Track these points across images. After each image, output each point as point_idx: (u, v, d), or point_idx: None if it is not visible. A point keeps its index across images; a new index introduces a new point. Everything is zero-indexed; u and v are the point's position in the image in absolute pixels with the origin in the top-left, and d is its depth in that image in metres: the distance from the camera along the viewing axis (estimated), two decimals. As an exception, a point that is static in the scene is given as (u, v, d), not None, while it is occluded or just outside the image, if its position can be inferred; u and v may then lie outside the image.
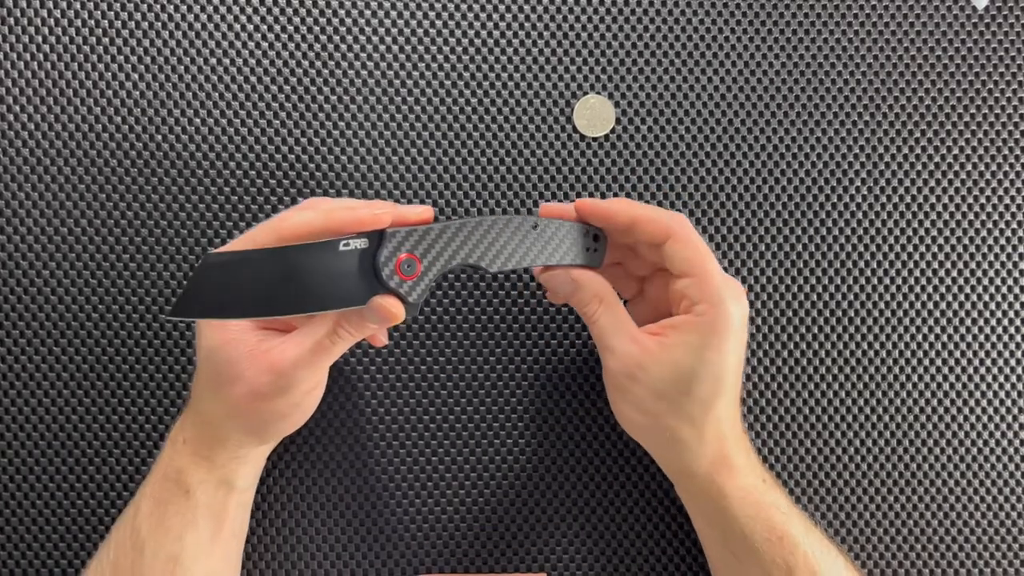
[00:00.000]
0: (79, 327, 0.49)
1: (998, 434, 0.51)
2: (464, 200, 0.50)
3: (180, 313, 0.37)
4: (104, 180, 0.49)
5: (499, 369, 0.50)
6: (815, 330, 0.51)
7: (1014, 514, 0.51)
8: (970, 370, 0.51)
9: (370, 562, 0.49)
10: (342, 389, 0.50)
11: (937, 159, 0.52)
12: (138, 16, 0.49)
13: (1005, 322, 0.51)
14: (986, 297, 0.51)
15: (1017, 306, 0.51)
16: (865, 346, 0.51)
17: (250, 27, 0.50)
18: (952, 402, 0.51)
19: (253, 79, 0.50)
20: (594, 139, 0.51)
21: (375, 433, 0.50)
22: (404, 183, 0.50)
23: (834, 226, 0.51)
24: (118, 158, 0.49)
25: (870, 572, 0.51)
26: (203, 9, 0.49)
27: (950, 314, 0.51)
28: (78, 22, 0.49)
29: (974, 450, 0.51)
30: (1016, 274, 0.51)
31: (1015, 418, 0.51)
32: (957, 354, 0.51)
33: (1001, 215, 0.52)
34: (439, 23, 0.50)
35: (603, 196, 0.50)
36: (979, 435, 0.51)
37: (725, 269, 0.44)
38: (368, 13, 0.50)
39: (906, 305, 0.51)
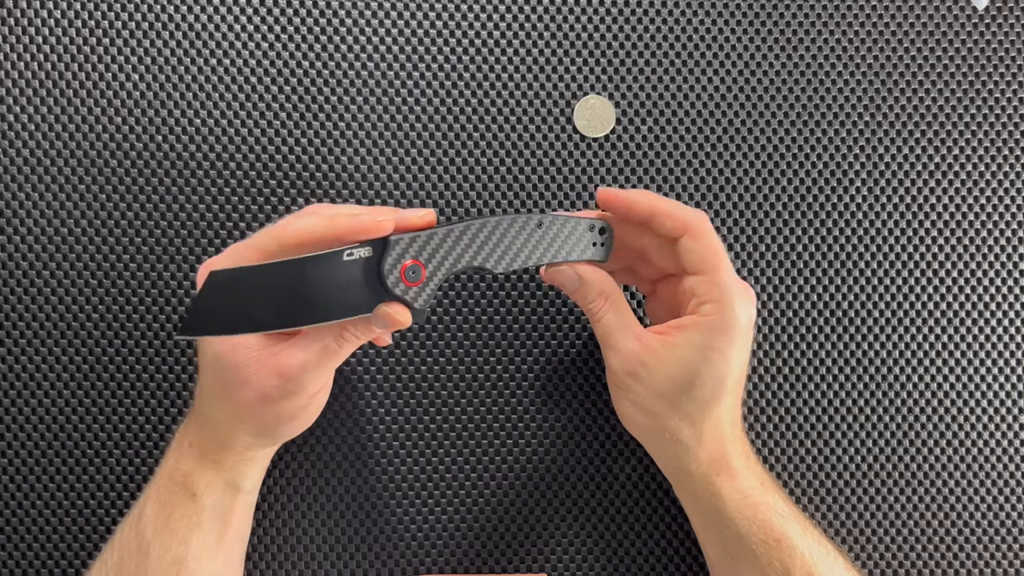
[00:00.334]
0: (79, 327, 0.49)
1: (998, 434, 0.51)
2: (464, 200, 0.50)
3: (189, 332, 0.37)
4: (104, 180, 0.49)
5: (499, 369, 0.50)
6: (815, 330, 0.51)
7: (1014, 514, 0.51)
8: (970, 370, 0.51)
9: (370, 562, 0.49)
10: (342, 389, 0.50)
11: (937, 159, 0.52)
12: (138, 16, 0.49)
13: (1005, 322, 0.51)
14: (986, 297, 0.51)
15: (1017, 306, 0.51)
16: (865, 346, 0.51)
17: (250, 27, 0.50)
18: (952, 402, 0.51)
19: (253, 79, 0.50)
20: (594, 139, 0.51)
21: (375, 433, 0.50)
22: (404, 183, 0.50)
23: (834, 226, 0.51)
24: (118, 158, 0.49)
25: (870, 572, 0.51)
26: (203, 9, 0.49)
27: (950, 314, 0.51)
28: (78, 22, 0.49)
29: (974, 450, 0.51)
30: (1016, 274, 0.51)
31: (1015, 418, 0.51)
32: (957, 354, 0.51)
33: (1001, 215, 0.52)
34: (439, 23, 0.50)
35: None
36: (979, 435, 0.51)
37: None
38: (368, 13, 0.50)
39: (906, 305, 0.51)
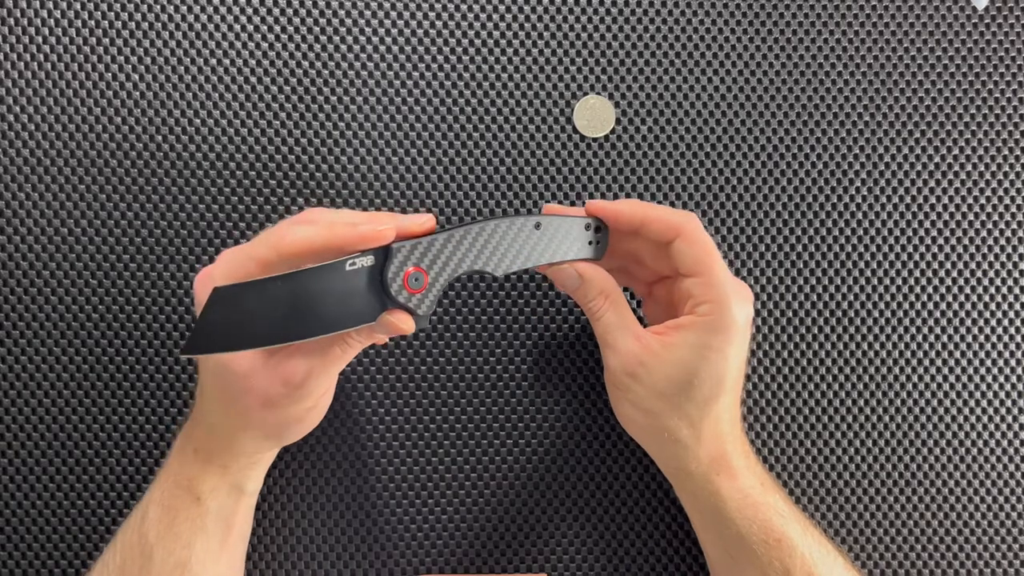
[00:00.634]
0: (79, 327, 0.49)
1: (998, 434, 0.51)
2: (464, 200, 0.50)
3: (194, 350, 0.36)
4: (104, 180, 0.49)
5: (499, 369, 0.50)
6: (815, 330, 0.51)
7: (1014, 514, 0.51)
8: (970, 370, 0.51)
9: (370, 562, 0.49)
10: (343, 389, 0.50)
11: (937, 159, 0.52)
12: (138, 16, 0.49)
13: (1005, 322, 0.51)
14: (986, 297, 0.51)
15: (1017, 306, 0.51)
16: (865, 346, 0.51)
17: (250, 27, 0.50)
18: (952, 402, 0.51)
19: (253, 79, 0.50)
20: (594, 139, 0.51)
21: (375, 434, 0.50)
22: (404, 183, 0.50)
23: (834, 226, 0.51)
24: (118, 158, 0.49)
25: (870, 572, 0.51)
26: (203, 9, 0.49)
27: (950, 314, 0.51)
28: (78, 22, 0.49)
29: (974, 450, 0.51)
30: (1016, 274, 0.51)
31: (1015, 418, 0.51)
32: (957, 354, 0.51)
33: (1001, 215, 0.52)
34: (439, 23, 0.50)
35: (603, 196, 0.50)
36: (979, 435, 0.51)
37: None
38: (368, 13, 0.50)
39: (906, 305, 0.51)
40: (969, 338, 0.51)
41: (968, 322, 0.51)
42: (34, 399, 0.49)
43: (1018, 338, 0.51)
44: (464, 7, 0.50)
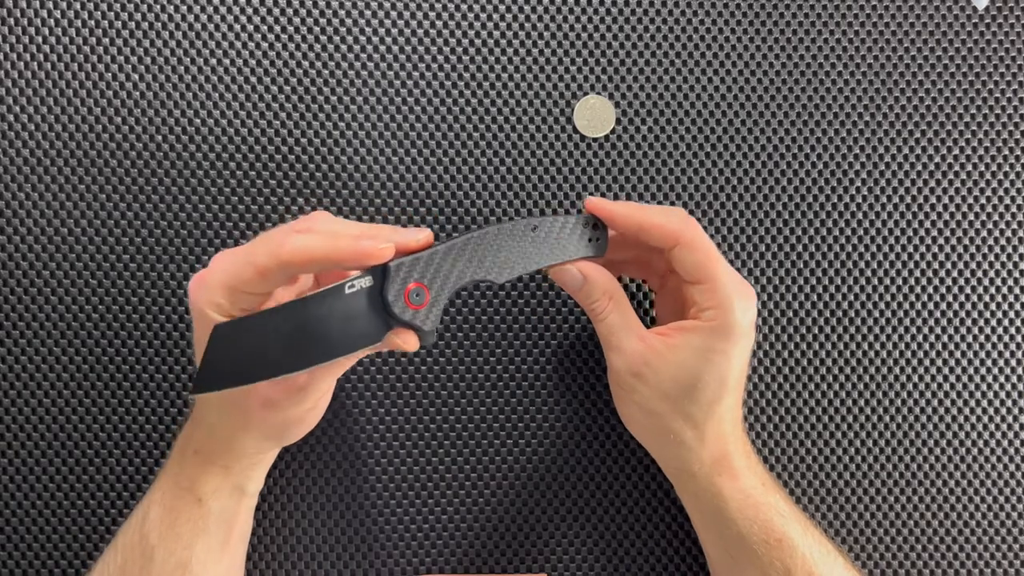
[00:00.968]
0: (79, 327, 0.49)
1: (998, 434, 0.51)
2: (464, 200, 0.50)
3: (202, 388, 0.36)
4: (104, 180, 0.49)
5: (499, 370, 0.50)
6: (815, 330, 0.51)
7: (1014, 514, 0.51)
8: (970, 370, 0.51)
9: (370, 562, 0.49)
10: (343, 390, 0.50)
11: (937, 159, 0.52)
12: (138, 16, 0.49)
13: (1005, 322, 0.51)
14: (986, 297, 0.51)
15: (1017, 306, 0.51)
16: (865, 346, 0.51)
17: (250, 27, 0.50)
18: (952, 402, 0.51)
19: (253, 79, 0.50)
20: (594, 139, 0.51)
21: (375, 434, 0.50)
22: (404, 183, 0.50)
23: (834, 226, 0.51)
24: (118, 158, 0.49)
25: (870, 572, 0.51)
26: (203, 9, 0.49)
27: (950, 314, 0.51)
28: (78, 22, 0.49)
29: (974, 450, 0.51)
30: (1016, 274, 0.51)
31: (1015, 418, 0.51)
32: (957, 354, 0.51)
33: (1001, 215, 0.52)
34: (439, 23, 0.50)
35: (603, 197, 0.50)
36: (979, 435, 0.51)
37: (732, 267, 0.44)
38: (368, 13, 0.50)
39: (906, 305, 0.51)
40: (969, 338, 0.51)
41: (968, 322, 0.51)
42: (34, 399, 0.49)
43: (1018, 338, 0.51)
44: (464, 7, 0.50)
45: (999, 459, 0.51)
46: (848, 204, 0.51)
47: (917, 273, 0.51)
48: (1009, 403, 0.51)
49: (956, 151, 0.52)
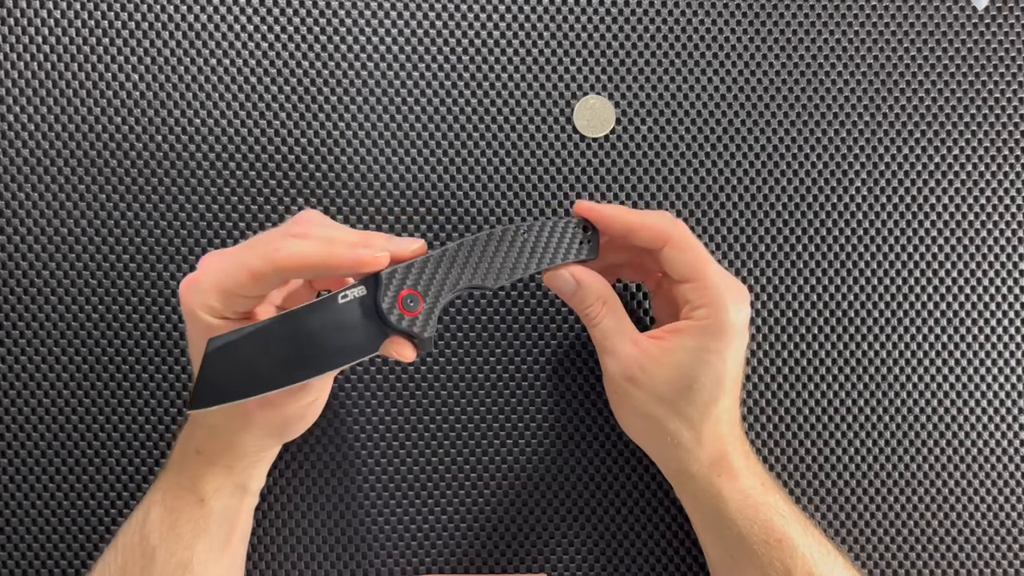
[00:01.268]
0: (79, 327, 0.49)
1: (998, 434, 0.51)
2: (464, 200, 0.50)
3: (199, 405, 0.36)
4: (104, 180, 0.49)
5: (499, 370, 0.50)
6: (815, 330, 0.51)
7: (1014, 514, 0.51)
8: (970, 370, 0.51)
9: (370, 562, 0.49)
10: (343, 389, 0.50)
11: (937, 159, 0.52)
12: (138, 16, 0.49)
13: (1005, 322, 0.51)
14: (986, 297, 0.51)
15: (1017, 306, 0.51)
16: (865, 346, 0.51)
17: (250, 27, 0.50)
18: (952, 402, 0.51)
19: (253, 79, 0.50)
20: (594, 140, 0.51)
21: (375, 434, 0.50)
22: (404, 183, 0.50)
23: (834, 226, 0.51)
24: (118, 158, 0.49)
25: (870, 572, 0.51)
26: (203, 9, 0.49)
27: (950, 314, 0.51)
28: (78, 22, 0.49)
29: (974, 450, 0.51)
30: (1016, 274, 0.51)
31: (1015, 418, 0.51)
32: (957, 354, 0.51)
33: (1001, 215, 0.52)
34: (439, 23, 0.50)
35: (603, 197, 0.50)
36: (979, 435, 0.51)
37: (725, 269, 0.44)
38: (368, 13, 0.50)
39: (906, 305, 0.51)
40: (969, 338, 0.51)
41: (968, 322, 0.51)
42: (34, 399, 0.49)
43: (1018, 338, 0.51)
44: (464, 7, 0.50)
45: (999, 459, 0.51)
46: (848, 204, 0.51)
47: (917, 273, 0.51)
48: (1009, 403, 0.51)
49: (956, 151, 0.52)
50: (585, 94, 0.51)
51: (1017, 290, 0.51)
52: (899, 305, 0.51)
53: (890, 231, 0.51)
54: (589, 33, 0.51)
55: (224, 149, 0.49)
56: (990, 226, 0.52)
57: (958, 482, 0.51)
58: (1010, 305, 0.51)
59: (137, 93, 0.49)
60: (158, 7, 0.49)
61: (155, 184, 0.49)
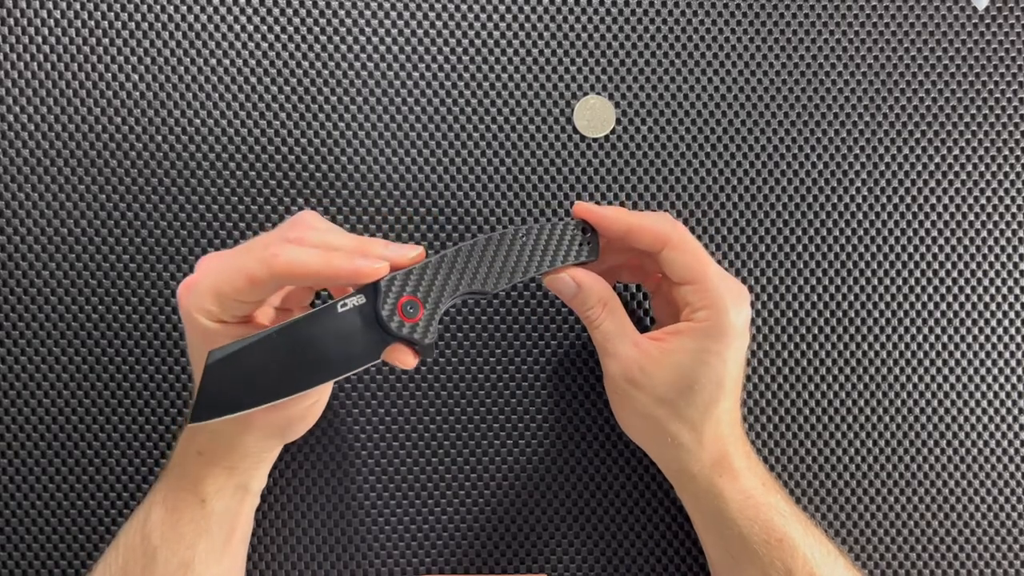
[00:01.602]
0: (79, 327, 0.49)
1: (998, 434, 0.51)
2: (464, 200, 0.50)
3: (200, 418, 0.36)
4: (104, 180, 0.49)
5: (499, 370, 0.50)
6: (815, 330, 0.51)
7: (1014, 514, 0.51)
8: (970, 370, 0.51)
9: (370, 562, 0.49)
10: (343, 390, 0.50)
11: (937, 159, 0.52)
12: (138, 16, 0.49)
13: (1005, 322, 0.51)
14: (986, 297, 0.51)
15: (1017, 306, 0.51)
16: (865, 346, 0.51)
17: (250, 27, 0.50)
18: (952, 402, 0.51)
19: (253, 79, 0.49)
20: (594, 140, 0.51)
21: (375, 434, 0.50)
22: (404, 183, 0.50)
23: (834, 226, 0.51)
24: (118, 158, 0.49)
25: (870, 572, 0.51)
26: (203, 9, 0.49)
27: (950, 314, 0.51)
28: (78, 22, 0.49)
29: (974, 450, 0.51)
30: (1016, 274, 0.51)
31: (1015, 418, 0.51)
32: (957, 354, 0.51)
33: (1001, 215, 0.52)
34: (439, 23, 0.50)
35: (603, 197, 0.50)
36: (979, 435, 0.51)
37: (725, 270, 0.44)
38: (368, 13, 0.50)
39: (906, 305, 0.51)
40: (969, 338, 0.51)
41: (968, 322, 0.51)
42: (34, 399, 0.49)
43: (1018, 338, 0.51)
44: (464, 7, 0.50)
45: (999, 459, 0.51)
46: (848, 204, 0.51)
47: (917, 273, 0.51)
48: (1009, 403, 0.51)
49: (956, 151, 0.52)
50: (585, 94, 0.51)
51: (1017, 290, 0.51)
52: (899, 305, 0.51)
53: (890, 231, 0.51)
54: (589, 33, 0.51)
55: (224, 149, 0.49)
56: (990, 226, 0.52)
57: (958, 482, 0.51)
58: (1010, 305, 0.51)
59: (137, 93, 0.49)
60: (158, 7, 0.49)
61: (155, 184, 0.49)
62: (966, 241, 0.51)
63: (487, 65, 0.50)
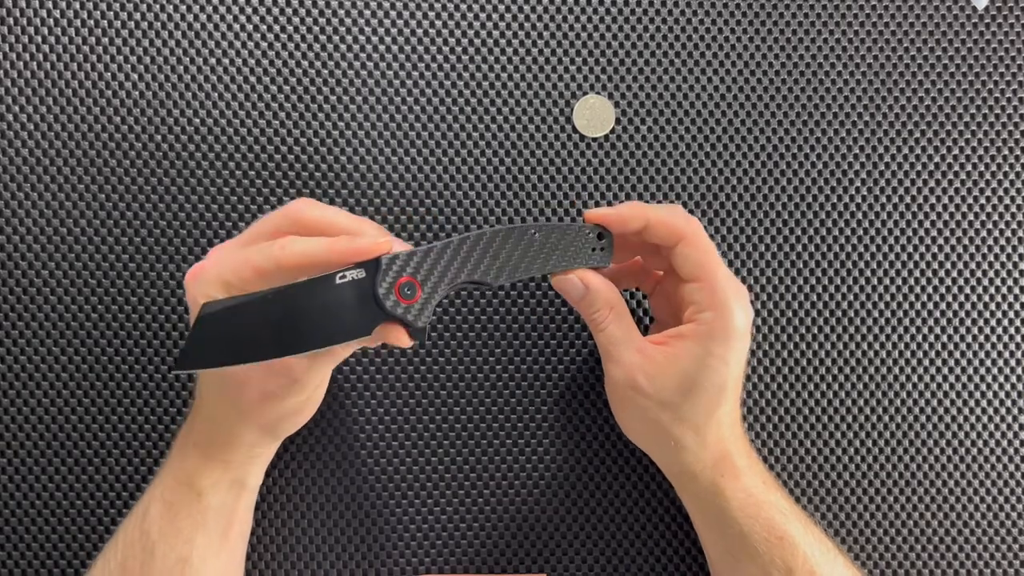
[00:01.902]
0: (79, 327, 0.49)
1: (998, 434, 0.51)
2: (464, 200, 0.50)
3: (185, 366, 0.36)
4: (104, 180, 0.49)
5: (499, 369, 0.50)
6: (815, 330, 0.51)
7: (1014, 514, 0.51)
8: (970, 370, 0.51)
9: (369, 562, 0.49)
10: (342, 387, 0.50)
11: (937, 159, 0.52)
12: (138, 16, 0.49)
13: (1005, 322, 0.51)
14: (986, 297, 0.51)
15: (1017, 306, 0.51)
16: (865, 346, 0.51)
17: (250, 27, 0.50)
18: (952, 402, 0.51)
19: (253, 79, 0.49)
20: (594, 139, 0.51)
21: (375, 433, 0.50)
22: (404, 183, 0.50)
23: (834, 226, 0.51)
24: (118, 158, 0.49)
25: (870, 572, 0.51)
26: (203, 9, 0.49)
27: (950, 314, 0.51)
28: (78, 22, 0.49)
29: (974, 450, 0.51)
30: (1016, 274, 0.51)
31: (1015, 418, 0.51)
32: (957, 354, 0.51)
33: (1001, 215, 0.52)
34: (439, 23, 0.50)
35: (603, 197, 0.50)
36: (979, 435, 0.51)
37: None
38: (368, 13, 0.50)
39: (906, 305, 0.51)
40: (969, 338, 0.51)
41: (968, 322, 0.51)
42: (34, 399, 0.49)
43: (1018, 338, 0.51)
44: (464, 7, 0.50)
45: (999, 459, 0.51)
46: (848, 204, 0.51)
47: (917, 273, 0.51)
48: (1009, 403, 0.51)
49: (956, 151, 0.52)
50: (585, 94, 0.51)
51: (1017, 290, 0.51)
52: (899, 305, 0.51)
53: (890, 231, 0.51)
54: (589, 33, 0.51)
55: (224, 149, 0.49)
56: (990, 226, 0.52)
57: (958, 482, 0.51)
58: (1010, 305, 0.51)
59: (137, 93, 0.49)
60: (158, 7, 0.49)
61: (155, 184, 0.49)
62: (965, 241, 0.51)
63: (487, 65, 0.50)
